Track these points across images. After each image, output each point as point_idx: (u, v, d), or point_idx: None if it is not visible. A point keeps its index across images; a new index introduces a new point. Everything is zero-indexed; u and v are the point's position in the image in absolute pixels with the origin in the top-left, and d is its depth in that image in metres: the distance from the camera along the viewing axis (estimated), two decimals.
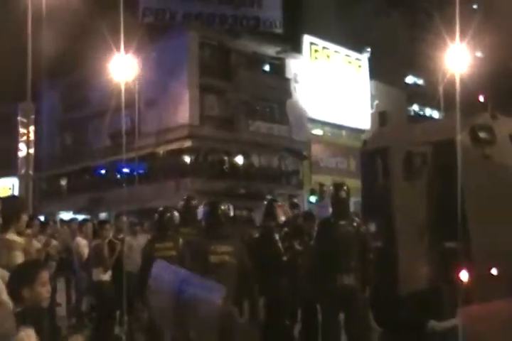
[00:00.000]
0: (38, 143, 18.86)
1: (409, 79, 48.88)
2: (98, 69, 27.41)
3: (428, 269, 7.08)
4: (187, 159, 28.37)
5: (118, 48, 19.20)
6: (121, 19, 16.06)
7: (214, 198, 19.82)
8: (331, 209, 6.10)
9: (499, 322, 4.61)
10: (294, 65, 33.54)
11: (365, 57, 38.10)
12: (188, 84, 28.56)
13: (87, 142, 34.82)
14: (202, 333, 4.59)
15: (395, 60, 41.90)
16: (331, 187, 6.14)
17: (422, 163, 7.37)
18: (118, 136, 26.96)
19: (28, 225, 5.93)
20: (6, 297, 2.75)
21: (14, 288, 3.12)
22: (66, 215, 26.24)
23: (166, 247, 6.13)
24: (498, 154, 7.39)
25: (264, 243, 6.54)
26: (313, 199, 19.82)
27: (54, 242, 8.36)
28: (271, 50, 32.48)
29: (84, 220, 9.45)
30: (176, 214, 6.37)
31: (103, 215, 27.35)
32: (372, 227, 6.98)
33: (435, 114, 47.45)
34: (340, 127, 36.45)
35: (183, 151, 28.30)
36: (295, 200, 13.89)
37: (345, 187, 5.96)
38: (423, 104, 48.60)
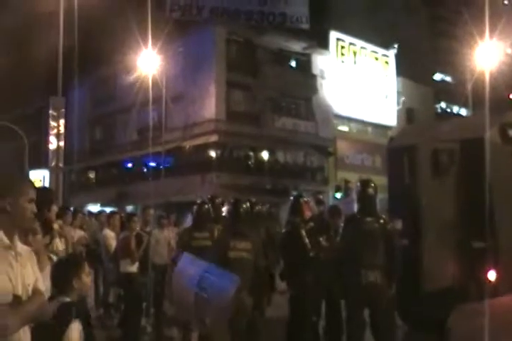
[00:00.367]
0: (67, 136, 19.14)
1: (437, 76, 48.36)
2: (126, 65, 27.75)
3: (454, 268, 7.03)
4: (213, 154, 28.47)
5: (145, 44, 19.51)
6: (149, 15, 16.27)
7: (239, 193, 19.96)
8: (355, 206, 6.11)
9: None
10: (320, 61, 33.39)
11: (392, 53, 37.72)
12: (214, 80, 28.65)
13: (115, 136, 35.28)
14: (216, 320, 4.97)
15: (422, 57, 41.49)
16: (358, 184, 6.13)
17: (449, 160, 7.29)
18: (145, 130, 27.22)
19: (59, 216, 6.09)
20: (42, 285, 2.79)
21: (64, 278, 3.15)
22: (94, 207, 26.62)
23: (204, 237, 6.52)
24: None
25: (291, 239, 6.58)
26: (338, 195, 19.77)
27: (83, 233, 8.56)
28: (297, 46, 32.36)
29: (112, 213, 9.56)
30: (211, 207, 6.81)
31: (130, 208, 27.70)
32: (399, 225, 6.96)
33: (463, 112, 46.90)
34: (366, 124, 36.24)
35: (208, 146, 28.40)
36: (320, 197, 13.85)
37: (372, 184, 5.96)
38: (451, 102, 48.08)
